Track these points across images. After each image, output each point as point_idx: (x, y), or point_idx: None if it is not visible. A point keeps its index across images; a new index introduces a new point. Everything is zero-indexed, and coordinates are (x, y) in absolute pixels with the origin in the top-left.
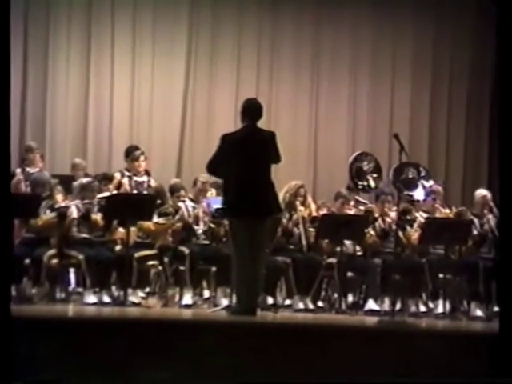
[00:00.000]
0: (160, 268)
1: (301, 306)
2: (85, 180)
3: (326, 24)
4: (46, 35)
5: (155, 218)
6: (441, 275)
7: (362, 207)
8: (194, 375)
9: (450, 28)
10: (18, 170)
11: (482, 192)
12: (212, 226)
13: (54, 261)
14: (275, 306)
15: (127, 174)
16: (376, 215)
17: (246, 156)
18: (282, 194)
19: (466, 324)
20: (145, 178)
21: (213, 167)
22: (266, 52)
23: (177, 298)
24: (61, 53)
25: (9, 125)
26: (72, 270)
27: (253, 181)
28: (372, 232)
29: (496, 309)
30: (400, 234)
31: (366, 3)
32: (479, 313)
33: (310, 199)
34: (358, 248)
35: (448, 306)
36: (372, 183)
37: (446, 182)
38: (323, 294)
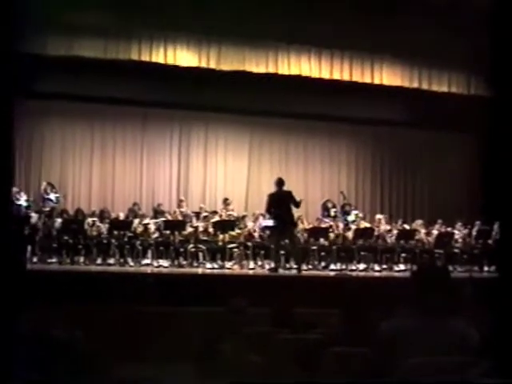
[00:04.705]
0: (238, 252)
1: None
2: (205, 214)
3: (299, 142)
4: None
5: (236, 230)
6: (362, 253)
7: (327, 224)
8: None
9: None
10: (177, 209)
11: (377, 216)
12: (261, 234)
13: (192, 249)
14: (289, 269)
15: (223, 211)
16: (333, 228)
17: (279, 201)
18: None
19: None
20: (231, 212)
21: (269, 209)
22: (282, 157)
23: (246, 265)
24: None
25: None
26: (200, 254)
27: (284, 213)
28: (332, 234)
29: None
30: (346, 234)
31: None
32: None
33: (304, 221)
34: (326, 242)
35: (364, 266)
36: (332, 214)
37: (363, 212)
38: (311, 262)
